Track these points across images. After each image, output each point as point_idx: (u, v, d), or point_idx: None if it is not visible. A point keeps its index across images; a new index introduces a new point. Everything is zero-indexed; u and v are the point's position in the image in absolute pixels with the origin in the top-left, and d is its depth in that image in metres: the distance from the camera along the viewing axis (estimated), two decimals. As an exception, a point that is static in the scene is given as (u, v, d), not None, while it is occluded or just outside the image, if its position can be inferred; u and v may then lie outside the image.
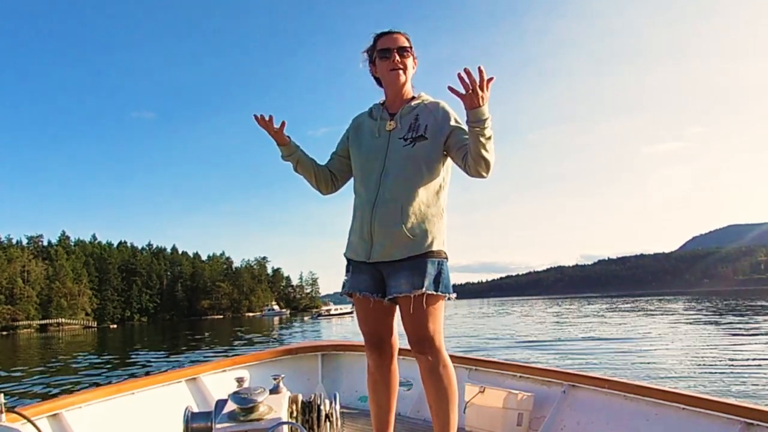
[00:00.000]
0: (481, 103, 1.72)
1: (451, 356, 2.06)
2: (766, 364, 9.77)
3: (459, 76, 1.68)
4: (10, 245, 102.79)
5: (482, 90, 1.70)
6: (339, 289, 2.16)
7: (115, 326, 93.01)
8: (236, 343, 24.86)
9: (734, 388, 7.58)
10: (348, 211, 2.13)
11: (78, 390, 4.60)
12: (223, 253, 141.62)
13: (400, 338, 2.12)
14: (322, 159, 2.23)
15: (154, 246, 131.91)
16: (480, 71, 1.67)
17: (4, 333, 77.96)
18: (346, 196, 2.19)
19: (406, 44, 2.04)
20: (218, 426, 1.58)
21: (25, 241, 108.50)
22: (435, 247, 1.95)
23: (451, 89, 1.72)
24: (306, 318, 66.69)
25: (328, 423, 2.03)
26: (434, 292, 1.91)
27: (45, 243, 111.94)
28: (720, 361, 10.38)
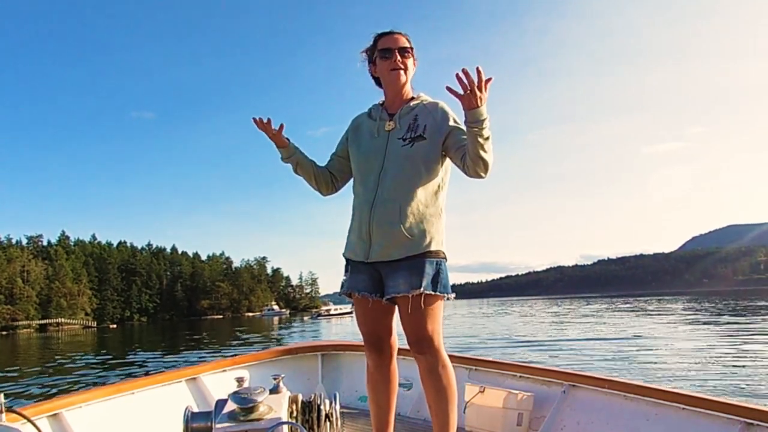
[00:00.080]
0: (479, 104, 1.72)
1: (450, 356, 2.06)
2: (766, 364, 9.77)
3: (457, 76, 1.67)
4: (10, 245, 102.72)
5: (480, 90, 1.70)
6: (338, 289, 2.17)
7: (114, 326, 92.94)
8: (236, 343, 24.86)
9: (734, 388, 7.58)
10: (347, 211, 2.13)
11: (78, 390, 4.59)
12: (222, 253, 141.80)
13: (399, 338, 2.12)
14: (322, 159, 2.23)
15: (154, 246, 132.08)
16: (478, 72, 1.67)
17: (4, 333, 77.91)
18: (345, 196, 2.19)
19: (407, 45, 2.04)
20: (218, 426, 1.58)
21: (24, 241, 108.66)
22: (433, 247, 1.95)
23: (449, 90, 1.72)
24: (306, 318, 66.66)
25: (328, 423, 2.03)
26: (432, 292, 1.91)
27: (45, 243, 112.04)
28: (720, 361, 10.37)
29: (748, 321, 21.30)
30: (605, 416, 2.44)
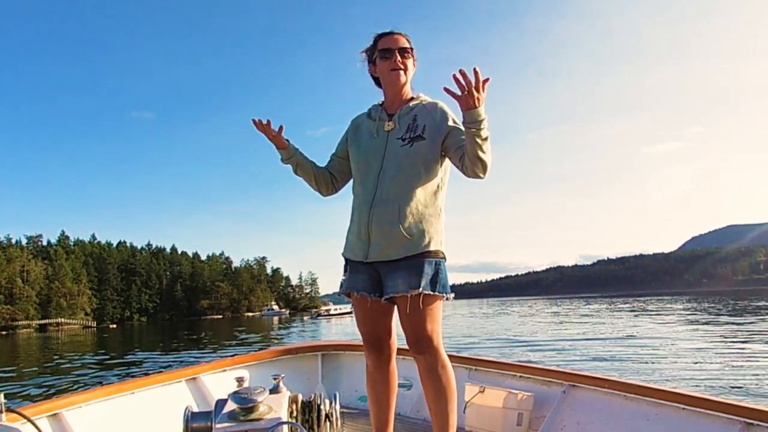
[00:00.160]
0: (476, 104, 1.72)
1: (450, 356, 2.06)
2: (765, 364, 9.77)
3: (454, 77, 1.67)
4: (10, 245, 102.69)
5: (478, 91, 1.70)
6: (338, 289, 2.17)
7: (114, 326, 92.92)
8: (235, 343, 24.85)
9: (734, 388, 7.58)
10: (347, 211, 2.13)
11: (78, 390, 4.59)
12: (222, 253, 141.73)
13: (399, 338, 2.12)
14: (322, 159, 2.24)
15: (154, 246, 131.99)
16: (475, 72, 1.67)
17: (4, 333, 77.88)
18: (345, 197, 2.20)
19: (407, 45, 2.04)
20: (218, 426, 1.58)
21: (24, 241, 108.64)
22: (432, 247, 1.95)
23: (446, 90, 1.71)
24: (305, 318, 66.64)
25: (328, 423, 2.03)
26: (431, 292, 1.91)
27: (44, 243, 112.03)
28: (720, 361, 10.38)
29: (747, 321, 21.30)
30: (605, 416, 2.44)
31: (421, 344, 1.94)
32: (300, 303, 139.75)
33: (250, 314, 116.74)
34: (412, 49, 2.05)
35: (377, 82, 2.13)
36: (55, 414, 2.37)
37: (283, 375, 1.95)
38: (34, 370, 16.08)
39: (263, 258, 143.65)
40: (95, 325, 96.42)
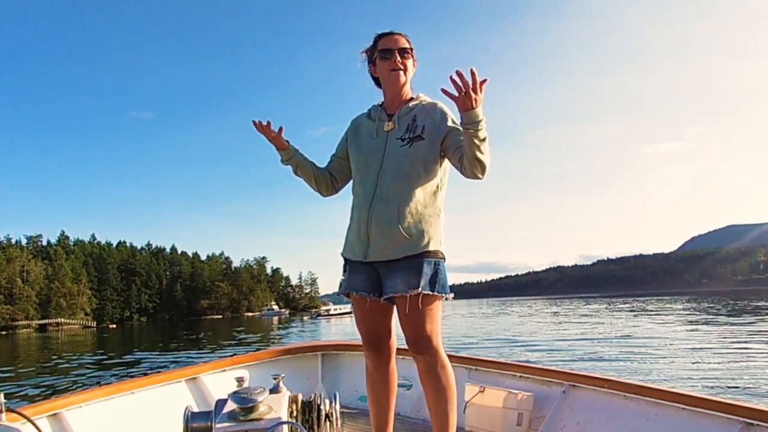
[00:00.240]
0: (474, 105, 1.71)
1: (450, 356, 2.06)
2: (765, 364, 9.77)
3: (451, 78, 1.67)
4: (10, 245, 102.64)
5: (475, 92, 1.69)
6: (337, 289, 2.17)
7: (114, 326, 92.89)
8: (235, 343, 24.85)
9: (734, 388, 7.58)
10: (347, 211, 2.13)
11: (78, 390, 4.59)
12: (222, 253, 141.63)
13: (398, 338, 2.12)
14: (322, 159, 2.24)
15: (154, 246, 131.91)
16: (472, 73, 1.66)
17: (3, 333, 77.84)
18: (345, 197, 2.20)
19: (407, 45, 2.04)
20: (218, 426, 1.58)
21: (24, 241, 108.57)
22: (431, 247, 1.95)
23: (444, 91, 1.71)
24: (305, 318, 66.65)
25: (328, 423, 2.03)
26: (430, 292, 1.91)
27: (44, 243, 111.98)
28: (719, 361, 10.38)
29: (747, 321, 21.31)
30: (605, 416, 2.44)
31: (420, 344, 1.94)
32: (300, 303, 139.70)
33: (250, 314, 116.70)
34: (411, 49, 2.05)
35: (377, 82, 2.13)
36: (55, 414, 2.36)
37: (283, 375, 1.95)
38: (34, 370, 16.07)
39: (263, 258, 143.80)
40: (95, 325, 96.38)
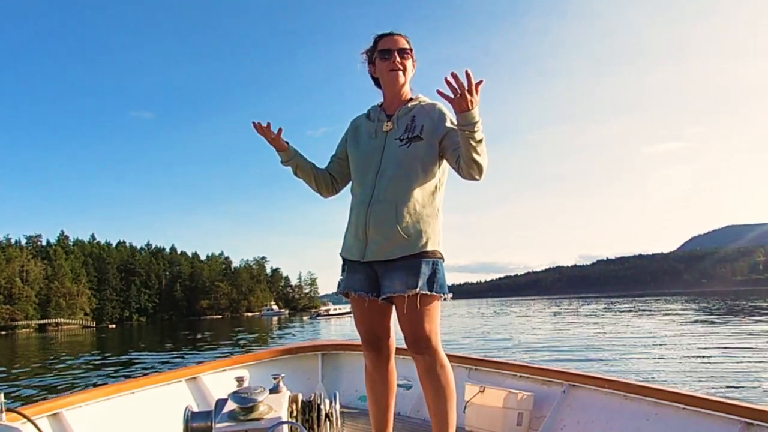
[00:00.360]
0: (470, 107, 1.71)
1: (450, 356, 2.06)
2: (765, 364, 9.78)
3: (446, 80, 1.67)
4: (9, 245, 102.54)
5: (471, 94, 1.69)
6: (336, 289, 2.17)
7: (113, 326, 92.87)
8: (235, 342, 24.84)
9: (734, 388, 7.59)
10: (347, 211, 2.13)
11: (77, 390, 4.59)
12: (221, 253, 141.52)
13: (398, 338, 2.12)
14: (322, 159, 2.24)
15: (153, 246, 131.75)
16: (467, 75, 1.66)
17: (3, 333, 77.80)
18: (345, 197, 2.20)
19: (407, 46, 2.05)
20: (218, 425, 1.58)
21: (23, 241, 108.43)
22: (429, 248, 1.95)
23: (440, 93, 1.71)
24: (305, 318, 66.65)
25: (328, 422, 2.03)
26: (428, 292, 1.91)
27: (44, 243, 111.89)
28: (719, 361, 10.38)
29: (746, 321, 21.32)
30: (605, 416, 2.44)
31: (419, 344, 1.93)
32: (299, 303, 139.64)
33: (250, 314, 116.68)
34: (411, 49, 2.05)
35: (377, 82, 2.14)
36: (55, 414, 2.36)
37: (283, 375, 1.95)
38: (34, 370, 16.07)
39: (263, 258, 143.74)
40: (94, 325, 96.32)
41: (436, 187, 2.01)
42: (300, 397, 2.02)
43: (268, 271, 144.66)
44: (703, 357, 11.03)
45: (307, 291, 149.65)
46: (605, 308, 42.79)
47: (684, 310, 34.30)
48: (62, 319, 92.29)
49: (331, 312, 66.13)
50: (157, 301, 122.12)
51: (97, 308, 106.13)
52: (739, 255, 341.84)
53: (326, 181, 2.20)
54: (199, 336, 33.38)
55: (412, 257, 1.93)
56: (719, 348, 12.48)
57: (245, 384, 1.81)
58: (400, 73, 2.03)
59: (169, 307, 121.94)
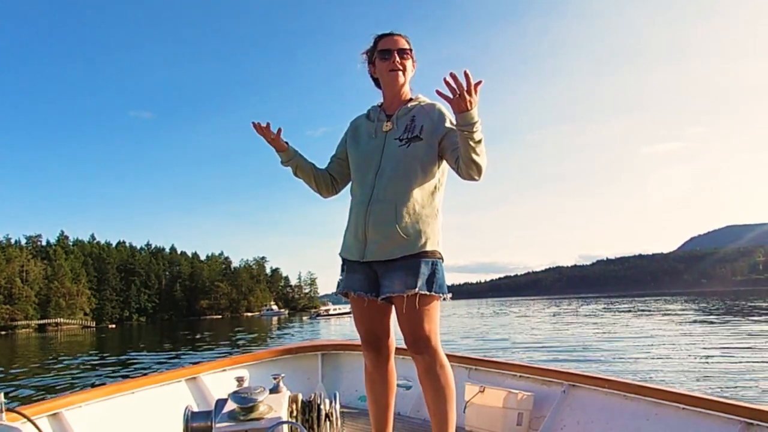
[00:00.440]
0: (469, 107, 1.71)
1: (450, 356, 2.06)
2: (765, 364, 9.78)
3: (445, 80, 1.67)
4: (9, 245, 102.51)
5: (470, 94, 1.69)
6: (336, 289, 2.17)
7: (113, 326, 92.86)
8: (235, 342, 24.83)
9: (734, 388, 7.59)
10: (346, 211, 2.13)
11: (77, 390, 4.59)
12: (221, 253, 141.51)
13: (398, 338, 2.12)
14: (322, 159, 2.24)
15: (153, 246, 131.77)
16: (466, 75, 1.66)
17: (3, 333, 77.78)
18: (344, 197, 2.20)
19: (406, 46, 2.05)
20: (218, 425, 1.58)
21: (23, 241, 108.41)
22: (429, 248, 1.95)
23: (438, 93, 1.71)
24: (305, 318, 66.63)
25: (328, 422, 2.03)
26: (427, 293, 1.91)
27: (44, 243, 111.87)
28: (719, 361, 10.39)
29: (746, 321, 21.32)
30: (605, 416, 2.44)
31: (419, 344, 1.93)
32: (299, 303, 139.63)
33: (250, 314, 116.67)
34: (411, 50, 2.05)
35: (377, 83, 2.14)
36: (55, 414, 2.36)
37: (283, 375, 1.95)
38: (34, 370, 16.06)
39: (262, 258, 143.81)
40: (94, 325, 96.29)
41: (435, 187, 2.01)
42: (300, 397, 2.02)
43: (268, 271, 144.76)
44: (703, 357, 11.03)
45: (306, 291, 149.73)
46: (605, 308, 42.79)
47: (684, 310, 34.30)
48: (62, 319, 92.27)
49: (331, 312, 66.11)
50: (157, 301, 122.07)
51: (96, 308, 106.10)
52: (739, 255, 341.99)
53: (326, 182, 2.20)
54: (198, 336, 33.38)
55: (412, 257, 1.93)
56: (719, 348, 12.48)
57: (245, 384, 1.81)
58: (400, 73, 2.03)
59: (168, 307, 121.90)
